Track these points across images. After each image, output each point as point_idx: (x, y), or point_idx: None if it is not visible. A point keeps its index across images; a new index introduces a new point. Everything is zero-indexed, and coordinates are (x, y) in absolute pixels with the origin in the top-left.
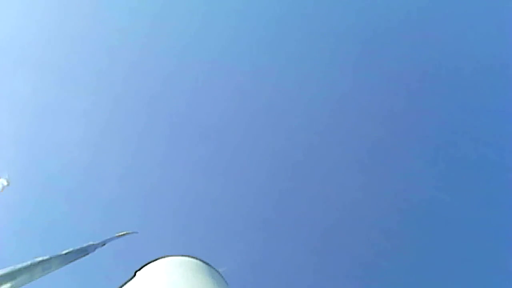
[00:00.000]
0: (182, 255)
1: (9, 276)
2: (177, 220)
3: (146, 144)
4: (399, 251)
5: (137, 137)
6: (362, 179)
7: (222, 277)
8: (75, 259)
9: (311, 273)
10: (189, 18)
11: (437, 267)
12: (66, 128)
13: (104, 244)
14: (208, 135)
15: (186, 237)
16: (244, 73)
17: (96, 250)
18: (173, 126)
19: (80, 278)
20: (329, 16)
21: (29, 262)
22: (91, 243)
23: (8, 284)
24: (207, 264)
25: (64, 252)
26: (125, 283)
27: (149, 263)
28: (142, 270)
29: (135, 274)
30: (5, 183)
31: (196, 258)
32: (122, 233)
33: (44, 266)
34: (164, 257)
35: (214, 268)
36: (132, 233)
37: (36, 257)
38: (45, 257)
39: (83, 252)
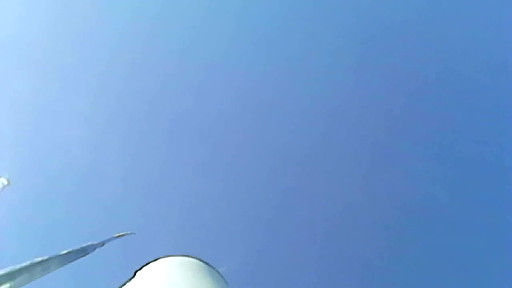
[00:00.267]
0: (182, 255)
1: (9, 276)
2: (177, 220)
3: (146, 144)
4: (399, 251)
5: (137, 137)
6: (362, 179)
7: (222, 277)
8: (74, 259)
9: (311, 273)
10: (189, 18)
11: (437, 267)
12: (66, 128)
13: (103, 244)
14: (208, 135)
15: (186, 237)
16: (244, 73)
17: (96, 250)
18: (173, 126)
19: (80, 278)
20: (329, 16)
21: (28, 262)
22: (90, 243)
23: (8, 284)
24: (207, 264)
25: (63, 252)
26: (125, 283)
27: (149, 263)
28: (142, 270)
29: (135, 274)
30: (5, 183)
31: (196, 258)
32: (121, 234)
33: (43, 266)
34: (164, 257)
35: (214, 268)
36: (131, 233)
37: (35, 257)
38: (44, 257)
39: (83, 252)
